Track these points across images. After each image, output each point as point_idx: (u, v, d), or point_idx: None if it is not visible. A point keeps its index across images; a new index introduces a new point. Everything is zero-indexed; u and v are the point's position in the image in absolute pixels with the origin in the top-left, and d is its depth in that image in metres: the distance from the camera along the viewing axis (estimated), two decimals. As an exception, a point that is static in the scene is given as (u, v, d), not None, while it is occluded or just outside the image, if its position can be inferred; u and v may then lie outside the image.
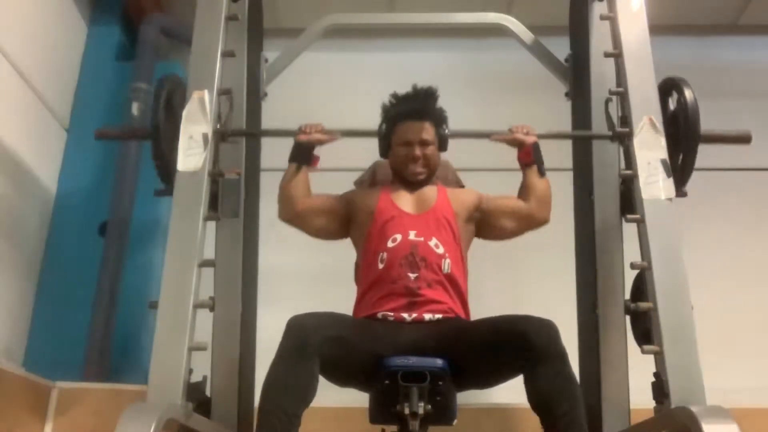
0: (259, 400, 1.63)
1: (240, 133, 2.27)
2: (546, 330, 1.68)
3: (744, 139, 2.12)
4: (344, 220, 2.10)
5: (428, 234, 1.96)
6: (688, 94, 2.00)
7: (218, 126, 2.01)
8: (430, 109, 2.08)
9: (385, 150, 2.14)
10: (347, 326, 1.81)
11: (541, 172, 2.07)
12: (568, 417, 1.59)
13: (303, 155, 2.06)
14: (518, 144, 2.09)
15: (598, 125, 2.29)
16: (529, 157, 2.06)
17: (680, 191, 1.96)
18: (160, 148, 1.99)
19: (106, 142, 3.14)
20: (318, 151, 2.11)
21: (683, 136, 2.00)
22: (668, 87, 2.07)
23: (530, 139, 2.07)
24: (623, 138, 2.05)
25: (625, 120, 2.04)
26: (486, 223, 2.09)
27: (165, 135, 1.99)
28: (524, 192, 2.07)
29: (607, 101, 2.15)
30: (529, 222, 2.08)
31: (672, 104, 2.07)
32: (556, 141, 2.60)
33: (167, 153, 1.99)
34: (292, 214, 2.06)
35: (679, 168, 2.00)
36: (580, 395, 1.66)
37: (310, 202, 2.06)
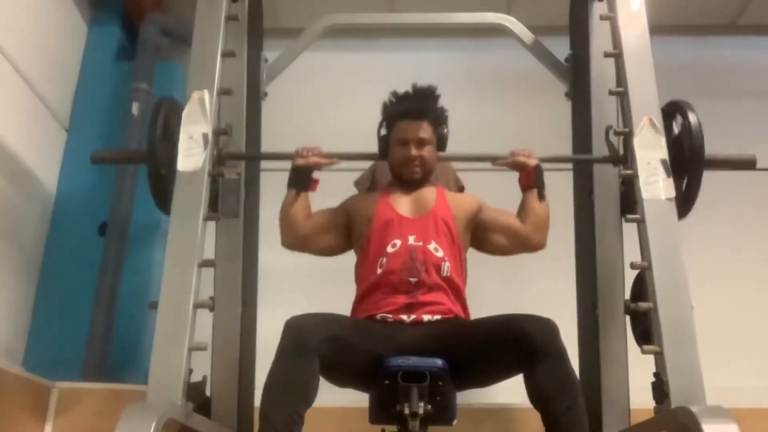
0: (261, 400, 1.63)
1: (239, 157, 2.25)
2: (545, 328, 1.68)
3: (748, 164, 2.10)
4: (346, 231, 2.10)
5: (427, 238, 1.96)
6: (692, 117, 1.98)
7: (215, 152, 2.00)
8: (428, 109, 2.08)
9: (384, 150, 2.14)
10: (346, 327, 1.81)
11: (541, 196, 2.04)
12: (569, 414, 1.60)
13: (301, 180, 2.04)
14: (520, 167, 2.06)
15: (598, 125, 2.28)
16: (530, 180, 2.04)
17: (684, 217, 1.94)
18: (156, 172, 1.98)
19: (106, 142, 3.15)
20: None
21: (688, 161, 1.98)
22: (672, 110, 2.06)
23: (532, 162, 2.05)
24: (625, 162, 2.04)
25: (627, 144, 2.03)
26: (480, 235, 2.08)
27: (161, 158, 1.98)
28: (522, 214, 2.04)
29: (608, 129, 2.12)
30: (524, 244, 2.05)
31: (676, 128, 2.05)
32: (555, 139, 2.61)
33: (163, 177, 1.98)
34: (295, 239, 2.05)
35: (683, 193, 1.98)
36: (581, 392, 1.67)
37: (312, 223, 2.05)
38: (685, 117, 2.00)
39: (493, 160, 2.12)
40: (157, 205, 2.05)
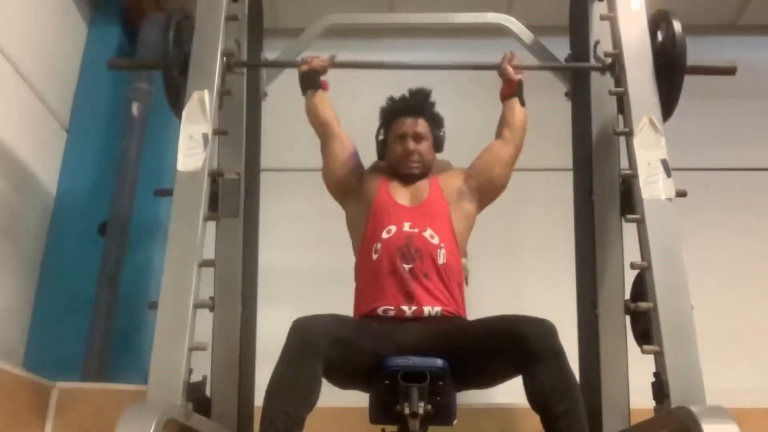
0: (263, 401, 1.63)
1: (244, 64, 2.35)
2: (543, 330, 1.68)
3: (729, 70, 2.17)
4: (357, 175, 2.14)
5: (423, 225, 1.97)
6: (676, 26, 2.04)
7: (224, 59, 2.08)
8: (424, 107, 2.13)
9: (382, 151, 2.18)
10: (350, 328, 1.81)
11: (522, 104, 2.16)
12: (568, 416, 1.60)
13: (312, 82, 2.19)
14: (506, 77, 2.18)
15: (598, 125, 2.29)
16: (512, 89, 2.16)
17: (666, 120, 2.01)
18: (171, 77, 2.05)
19: (106, 142, 3.16)
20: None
21: (670, 67, 2.04)
22: (657, 20, 2.12)
23: (517, 77, 2.17)
24: (612, 70, 2.13)
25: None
26: (481, 188, 2.11)
27: (175, 65, 2.06)
28: (503, 122, 2.14)
29: (595, 45, 2.24)
30: (512, 154, 2.12)
31: (661, 37, 2.12)
32: (555, 139, 2.61)
33: (178, 83, 2.05)
34: (321, 120, 2.16)
35: (666, 97, 2.04)
36: (580, 393, 1.67)
37: (337, 126, 2.16)
38: (669, 25, 2.06)
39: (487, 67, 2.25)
40: (171, 107, 2.12)
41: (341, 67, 2.25)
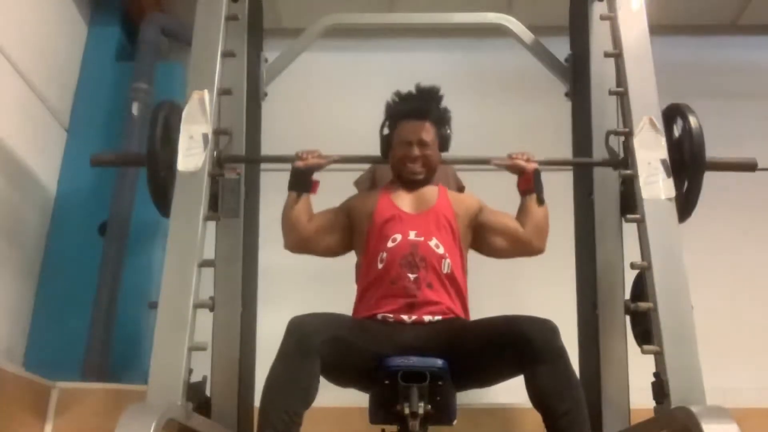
0: (260, 400, 1.63)
1: (239, 160, 2.24)
2: (545, 329, 1.68)
3: (749, 166, 2.11)
4: (348, 230, 2.09)
5: (428, 234, 1.95)
6: (692, 120, 1.97)
7: (215, 154, 2.00)
8: (431, 109, 2.07)
9: (386, 150, 2.14)
10: (347, 327, 1.81)
11: (540, 200, 2.02)
12: (570, 415, 1.60)
13: (302, 182, 2.03)
14: (518, 171, 2.05)
15: (598, 125, 2.29)
16: (529, 184, 2.03)
17: (684, 220, 1.95)
18: (155, 175, 1.97)
19: (106, 142, 3.16)
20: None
21: (688, 164, 1.98)
22: (672, 113, 2.05)
23: (531, 167, 2.03)
24: (625, 166, 2.03)
25: (627, 150, 2.03)
26: (481, 236, 2.08)
27: (161, 162, 1.97)
28: (522, 218, 2.03)
29: (608, 134, 2.11)
30: (524, 248, 2.04)
31: (677, 131, 2.05)
32: (554, 139, 2.61)
33: (163, 180, 1.98)
34: (297, 242, 2.04)
35: (684, 196, 1.98)
36: (582, 393, 1.66)
37: (314, 225, 2.04)
38: (685, 120, 2.00)
39: (492, 161, 2.11)
40: (157, 207, 2.05)
41: (338, 163, 2.11)
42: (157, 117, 2.00)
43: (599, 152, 2.29)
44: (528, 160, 2.05)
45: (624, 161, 2.05)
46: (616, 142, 2.13)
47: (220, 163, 2.07)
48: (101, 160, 2.21)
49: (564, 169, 2.52)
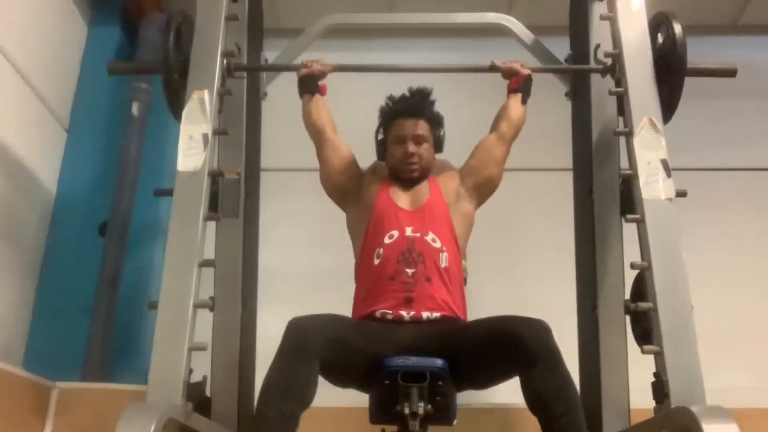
0: (257, 401, 1.63)
1: (243, 68, 2.34)
2: (538, 330, 1.67)
3: (729, 72, 2.19)
4: (355, 179, 2.13)
5: (424, 229, 1.97)
6: (676, 28, 2.06)
7: (224, 61, 2.10)
8: (424, 108, 2.11)
9: (382, 151, 2.17)
10: (346, 327, 1.81)
11: (524, 101, 2.18)
12: (566, 417, 1.59)
13: (310, 86, 2.20)
14: (513, 73, 2.20)
15: (598, 125, 2.29)
16: (519, 84, 2.19)
17: (667, 121, 2.03)
18: (170, 81, 2.06)
19: (106, 142, 3.16)
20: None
21: (670, 69, 2.05)
22: (658, 21, 2.13)
23: (525, 71, 2.20)
24: (613, 72, 2.13)
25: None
26: (478, 186, 2.11)
27: (175, 69, 2.06)
28: (500, 115, 2.16)
29: (596, 48, 2.25)
30: (505, 153, 2.13)
31: (661, 38, 2.13)
32: (555, 139, 2.61)
33: (178, 87, 2.06)
34: (313, 130, 2.17)
35: (667, 99, 2.05)
36: (577, 394, 1.67)
37: (330, 123, 2.17)
38: (669, 27, 2.06)
39: (492, 63, 2.26)
40: (171, 111, 2.13)
41: (341, 71, 2.24)
42: (170, 25, 2.08)
43: (599, 152, 2.29)
44: (522, 66, 2.21)
45: (612, 67, 2.15)
46: (602, 55, 2.22)
47: (220, 163, 2.07)
48: (118, 68, 2.39)
49: (564, 168, 2.52)
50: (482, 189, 2.12)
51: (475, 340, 1.77)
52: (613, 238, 2.22)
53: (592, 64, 2.31)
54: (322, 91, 2.21)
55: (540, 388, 1.63)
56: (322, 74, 2.22)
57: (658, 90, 2.01)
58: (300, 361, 1.64)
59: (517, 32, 2.58)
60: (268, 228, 2.48)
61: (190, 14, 2.13)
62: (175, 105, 2.07)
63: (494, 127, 2.16)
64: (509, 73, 2.22)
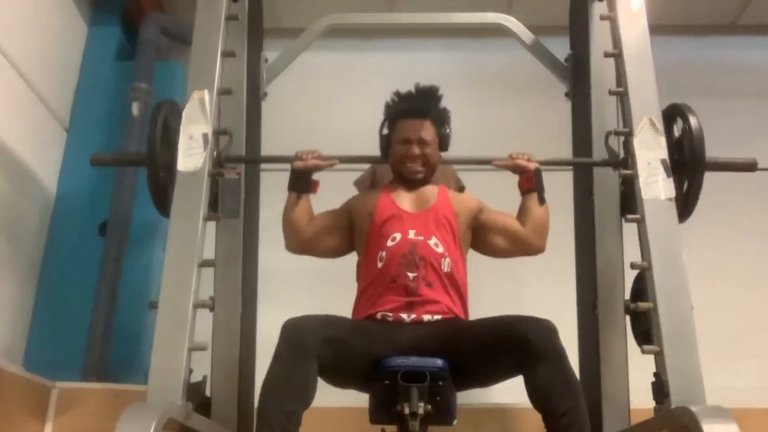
0: (258, 401, 1.63)
1: (239, 160, 2.24)
2: (544, 330, 1.68)
3: (749, 166, 2.12)
4: (349, 231, 2.09)
5: (428, 233, 1.95)
6: (692, 120, 1.98)
7: (215, 154, 1.99)
8: (431, 108, 2.07)
9: (385, 149, 2.14)
10: (344, 328, 1.81)
11: (541, 200, 2.04)
12: (570, 415, 1.60)
13: (302, 183, 2.04)
14: (520, 170, 2.07)
15: (598, 125, 2.29)
16: (530, 183, 2.05)
17: (684, 220, 1.96)
18: (155, 175, 1.97)
19: (106, 142, 3.16)
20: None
21: (688, 164, 1.98)
22: (672, 113, 2.06)
23: (532, 166, 2.05)
24: (625, 166, 2.03)
25: (627, 149, 2.02)
26: (481, 236, 2.08)
27: (161, 162, 1.97)
28: (522, 218, 2.04)
29: (607, 135, 2.12)
30: (524, 247, 2.05)
31: (677, 131, 2.06)
32: (554, 139, 2.61)
33: (163, 180, 1.98)
34: (299, 244, 2.05)
35: (684, 197, 1.99)
36: (581, 392, 1.66)
37: (315, 226, 2.05)
38: (685, 120, 2.00)
39: (493, 162, 2.13)
40: (157, 207, 2.05)
41: (338, 163, 2.09)
42: (156, 117, 1.99)
43: (599, 152, 2.29)
44: (529, 160, 2.07)
45: (624, 161, 2.05)
46: (615, 142, 2.13)
47: (220, 163, 2.07)
48: (101, 161, 2.21)
49: (564, 169, 2.52)
50: (479, 243, 2.08)
51: (477, 340, 1.77)
52: (613, 238, 2.22)
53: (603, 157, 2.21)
54: (313, 188, 2.05)
55: (544, 386, 1.63)
56: (317, 168, 2.05)
57: (674, 186, 1.89)
58: (297, 361, 1.64)
59: (517, 32, 2.58)
60: (268, 228, 2.48)
61: (179, 103, 2.00)
62: (161, 200, 2.00)
63: (522, 223, 2.04)
64: (516, 170, 2.08)
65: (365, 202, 2.09)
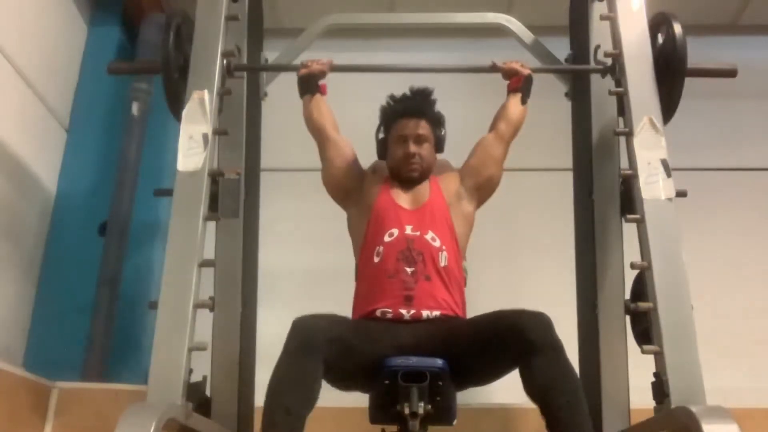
0: (264, 400, 1.63)
1: (244, 68, 2.35)
2: (540, 322, 1.68)
3: (730, 72, 2.19)
4: (357, 178, 2.14)
5: (424, 228, 1.97)
6: (676, 28, 2.05)
7: (224, 62, 2.09)
8: (426, 108, 2.11)
9: (382, 150, 2.17)
10: (348, 328, 1.82)
11: (524, 101, 2.17)
12: (570, 407, 1.59)
13: (310, 86, 2.20)
14: (513, 73, 2.20)
15: (598, 126, 2.29)
16: (519, 83, 2.18)
17: (667, 121, 2.03)
18: (170, 81, 2.06)
19: (106, 142, 3.16)
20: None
21: (670, 69, 2.05)
22: (658, 22, 2.12)
23: (525, 71, 2.19)
24: (614, 72, 2.13)
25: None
26: (478, 187, 2.11)
27: (175, 68, 2.07)
28: (499, 114, 2.15)
29: (596, 49, 2.25)
30: (503, 153, 2.13)
31: (661, 38, 2.12)
32: (555, 139, 2.61)
33: (178, 86, 2.06)
34: (313, 127, 2.17)
35: (667, 99, 2.05)
36: (580, 385, 1.67)
37: (332, 123, 2.17)
38: (670, 27, 2.06)
39: (492, 63, 2.26)
40: (171, 111, 2.13)
41: (340, 71, 2.24)
42: (169, 25, 2.08)
43: (599, 152, 2.29)
44: (522, 66, 2.21)
45: (612, 68, 2.14)
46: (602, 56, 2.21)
47: (220, 163, 2.07)
48: (118, 68, 2.38)
49: (564, 168, 2.52)
50: (482, 189, 2.12)
51: (475, 336, 1.78)
52: (613, 238, 2.22)
53: (592, 65, 2.31)
54: (322, 90, 2.20)
55: (542, 378, 1.62)
56: (322, 74, 2.21)
57: (658, 90, 2.01)
58: (306, 360, 1.64)
59: (517, 32, 2.58)
60: (268, 228, 2.48)
61: (190, 14, 2.13)
62: (175, 105, 2.08)
63: (493, 126, 2.16)
64: (509, 73, 2.21)
65: (371, 187, 2.11)
